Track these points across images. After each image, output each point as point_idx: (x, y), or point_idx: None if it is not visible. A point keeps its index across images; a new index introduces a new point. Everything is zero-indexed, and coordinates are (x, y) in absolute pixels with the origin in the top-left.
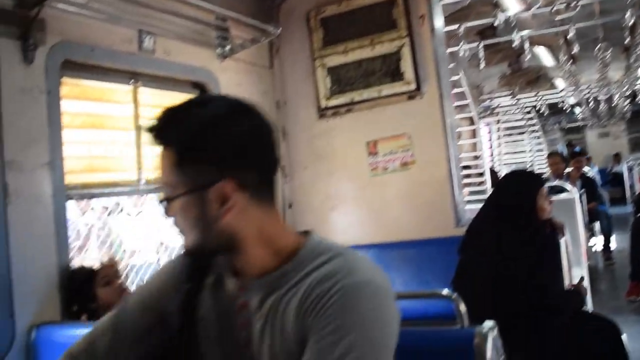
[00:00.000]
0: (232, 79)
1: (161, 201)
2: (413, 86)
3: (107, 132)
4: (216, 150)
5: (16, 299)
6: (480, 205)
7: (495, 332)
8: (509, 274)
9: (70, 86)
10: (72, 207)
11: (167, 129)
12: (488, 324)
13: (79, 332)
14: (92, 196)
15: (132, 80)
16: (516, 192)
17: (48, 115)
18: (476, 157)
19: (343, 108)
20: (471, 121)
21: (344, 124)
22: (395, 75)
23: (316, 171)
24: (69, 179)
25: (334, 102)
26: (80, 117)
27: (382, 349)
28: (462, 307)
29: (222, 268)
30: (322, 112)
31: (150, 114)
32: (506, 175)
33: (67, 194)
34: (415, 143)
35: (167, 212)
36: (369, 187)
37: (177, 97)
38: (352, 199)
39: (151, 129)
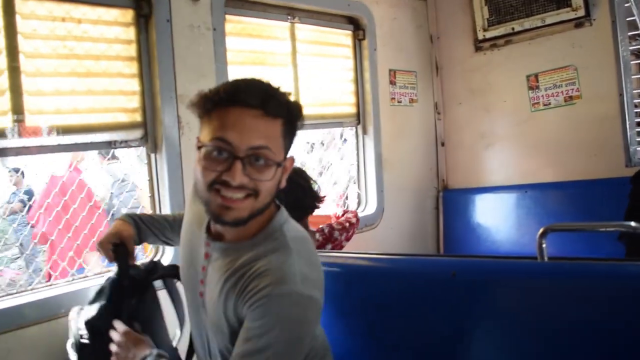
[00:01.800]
0: (387, 13)
1: (279, 164)
2: (581, 12)
3: (267, 68)
4: (296, 127)
5: None
6: None
7: None
8: None
9: (233, 23)
10: None
11: (278, 103)
12: None
13: None
14: None
15: (290, 17)
16: None
17: (214, 51)
18: None
19: (501, 39)
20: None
21: (502, 57)
22: (561, 1)
23: (471, 107)
24: None
25: (492, 33)
26: (242, 53)
27: (296, 346)
28: None
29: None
30: (479, 45)
31: (307, 50)
32: None
33: None
34: (581, 76)
35: (261, 172)
36: (528, 123)
37: (332, 33)
38: (509, 137)
39: (269, 101)
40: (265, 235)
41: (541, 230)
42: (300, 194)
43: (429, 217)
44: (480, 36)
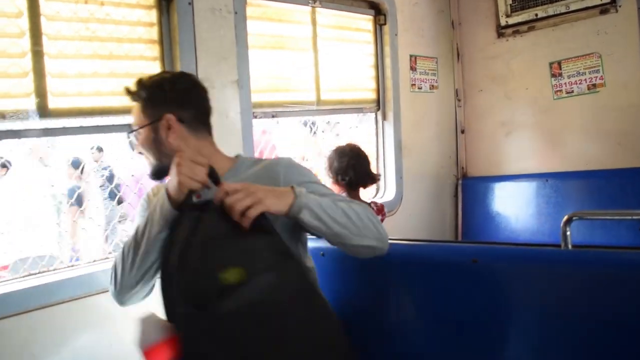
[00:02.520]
0: None
1: (130, 132)
2: None
3: (287, 52)
4: (163, 98)
5: None
6: None
7: None
8: None
9: (254, 7)
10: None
11: (136, 91)
12: None
13: None
14: (273, 115)
15: (311, 1)
16: None
17: (236, 35)
18: None
19: (524, 26)
20: None
21: (525, 44)
22: None
23: (492, 94)
24: (254, 97)
25: (515, 19)
26: (263, 37)
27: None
28: None
29: None
30: (501, 31)
31: (327, 35)
32: None
33: (252, 112)
34: (606, 63)
35: (137, 141)
36: (550, 112)
37: (352, 18)
38: (530, 125)
39: (128, 92)
40: (241, 163)
41: (566, 217)
42: (366, 166)
43: (447, 205)
44: (502, 22)
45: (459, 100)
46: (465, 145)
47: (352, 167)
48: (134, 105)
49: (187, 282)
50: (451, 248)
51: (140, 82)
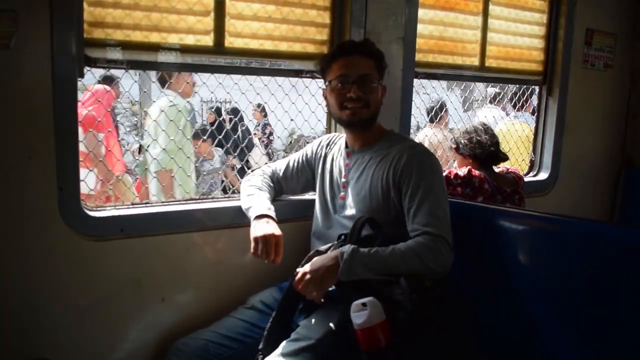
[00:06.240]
0: None
1: (370, 81)
2: None
3: (456, 15)
4: (383, 69)
5: None
6: None
7: None
8: None
9: None
10: None
11: (371, 49)
12: None
13: None
14: (435, 76)
15: None
16: None
17: None
18: None
19: None
20: None
21: None
22: None
23: None
24: (418, 56)
25: None
26: None
27: (444, 190)
28: None
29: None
30: None
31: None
32: None
33: (415, 71)
34: None
35: (370, 89)
36: None
37: None
38: None
39: (363, 47)
40: (389, 138)
41: None
42: (495, 144)
43: (605, 195)
44: None
45: (635, 82)
46: (636, 131)
47: (482, 144)
48: (365, 59)
49: None
50: (623, 233)
51: (371, 43)
